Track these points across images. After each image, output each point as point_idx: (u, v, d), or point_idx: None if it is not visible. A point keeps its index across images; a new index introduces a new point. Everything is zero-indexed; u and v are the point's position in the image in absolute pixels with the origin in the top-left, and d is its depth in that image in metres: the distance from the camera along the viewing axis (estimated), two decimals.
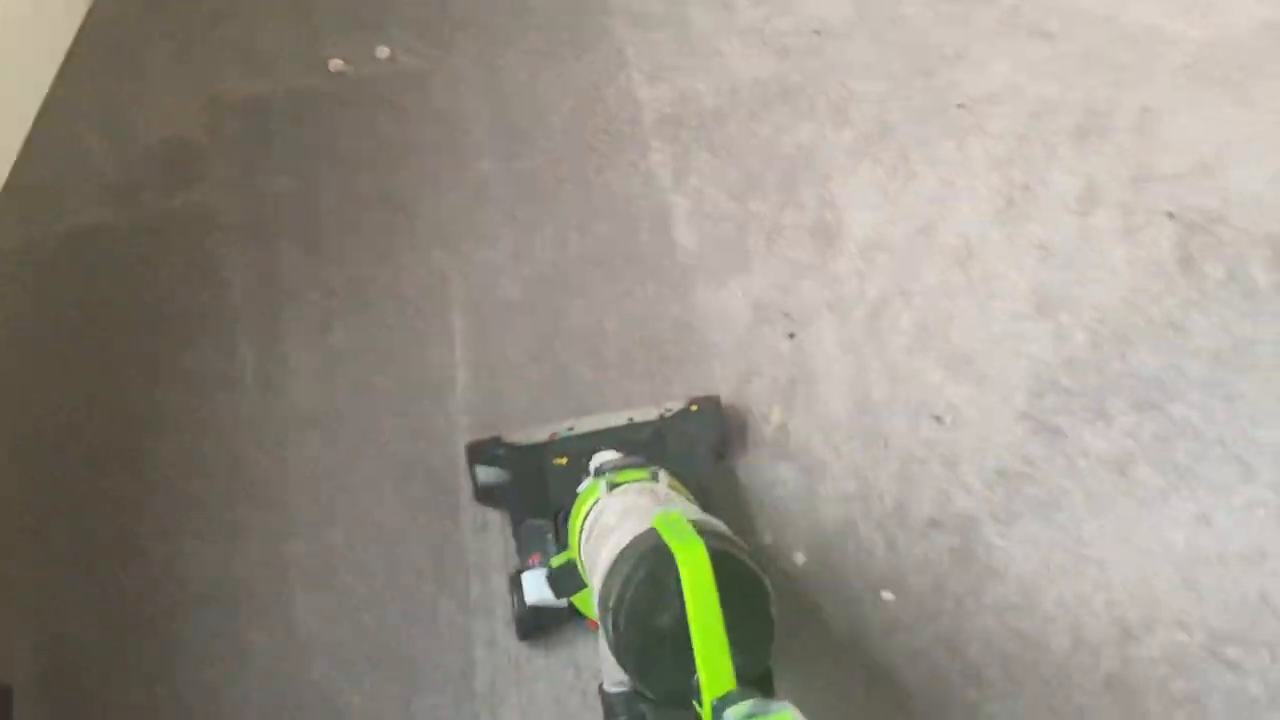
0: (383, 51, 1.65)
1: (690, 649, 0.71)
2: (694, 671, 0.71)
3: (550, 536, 1.10)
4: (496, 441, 1.19)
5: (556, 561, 1.00)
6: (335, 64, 1.63)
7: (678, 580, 0.72)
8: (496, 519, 1.22)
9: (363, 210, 1.49)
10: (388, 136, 1.56)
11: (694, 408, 1.22)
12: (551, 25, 1.70)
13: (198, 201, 1.49)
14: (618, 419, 1.21)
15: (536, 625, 1.09)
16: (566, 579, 0.98)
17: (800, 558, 1.20)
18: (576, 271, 1.42)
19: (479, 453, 1.18)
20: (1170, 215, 1.46)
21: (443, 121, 1.58)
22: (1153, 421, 1.28)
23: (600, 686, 0.87)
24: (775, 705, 0.66)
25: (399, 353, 1.35)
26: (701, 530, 0.76)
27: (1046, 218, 1.47)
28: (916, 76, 1.63)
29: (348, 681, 1.13)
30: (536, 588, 1.06)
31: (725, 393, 1.31)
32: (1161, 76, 1.61)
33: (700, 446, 1.19)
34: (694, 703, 0.72)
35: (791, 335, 1.37)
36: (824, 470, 1.27)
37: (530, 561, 1.09)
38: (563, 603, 1.06)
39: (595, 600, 0.80)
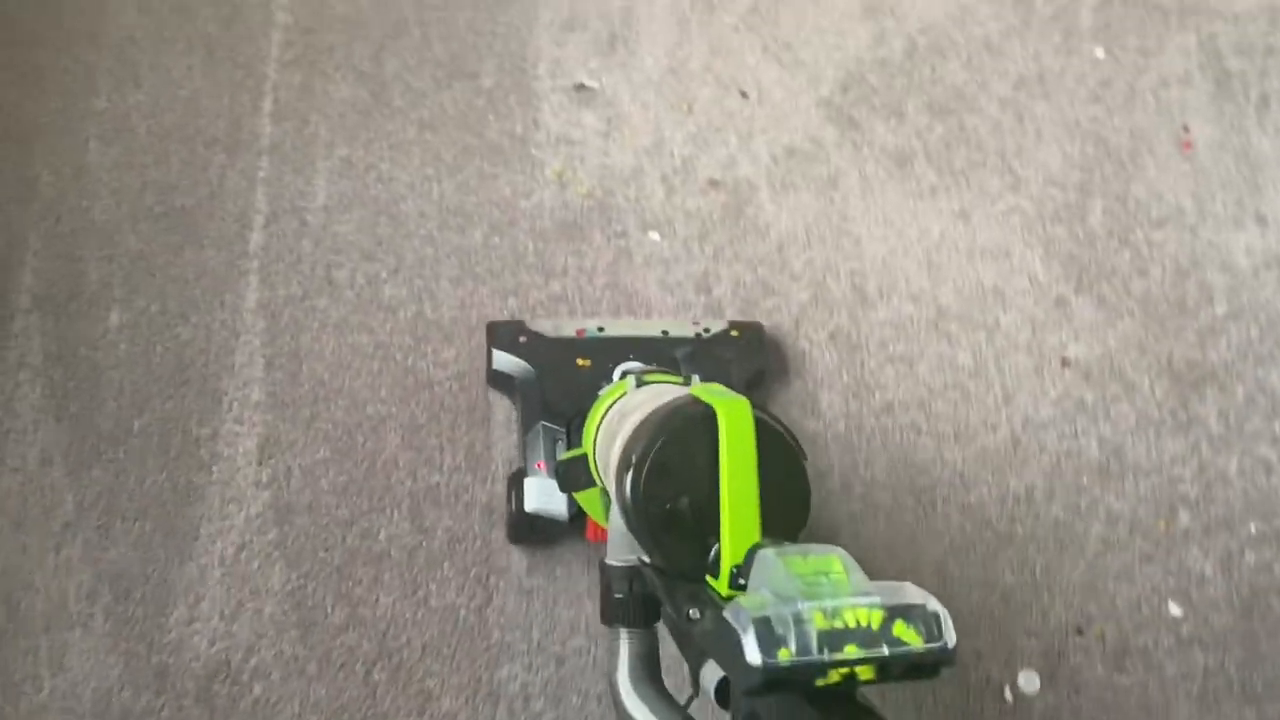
0: None
1: (713, 521, 0.66)
2: (713, 546, 0.66)
3: (560, 444, 1.03)
4: (520, 327, 1.11)
5: (568, 455, 0.94)
6: None
7: (710, 443, 0.67)
8: (301, 109, 1.26)
9: None
10: None
11: (734, 333, 1.14)
12: None
13: None
14: (652, 329, 1.13)
15: (531, 531, 1.04)
16: (575, 473, 0.90)
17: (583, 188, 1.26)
18: None
19: (499, 336, 1.11)
20: None
21: None
22: (943, 126, 1.35)
23: (602, 561, 0.82)
24: (819, 547, 0.59)
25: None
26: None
27: None
28: None
29: (128, 224, 1.17)
30: (538, 495, 1.01)
31: (544, 37, 1.34)
32: None
33: (734, 373, 1.10)
34: (709, 577, 0.66)
35: None
36: (624, 120, 1.31)
37: (536, 466, 1.03)
38: (563, 514, 1.00)
39: (612, 468, 0.75)
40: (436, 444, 1.10)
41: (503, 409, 1.13)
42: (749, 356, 1.13)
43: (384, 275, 1.18)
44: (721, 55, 1.37)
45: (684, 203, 1.26)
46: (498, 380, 1.12)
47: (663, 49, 1.37)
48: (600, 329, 1.12)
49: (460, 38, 1.33)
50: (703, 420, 0.68)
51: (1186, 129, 1.38)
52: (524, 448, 1.05)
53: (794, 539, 0.68)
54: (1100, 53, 1.43)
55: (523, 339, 1.10)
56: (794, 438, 0.72)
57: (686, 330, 1.14)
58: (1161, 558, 1.14)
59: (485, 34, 1.34)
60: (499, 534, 1.07)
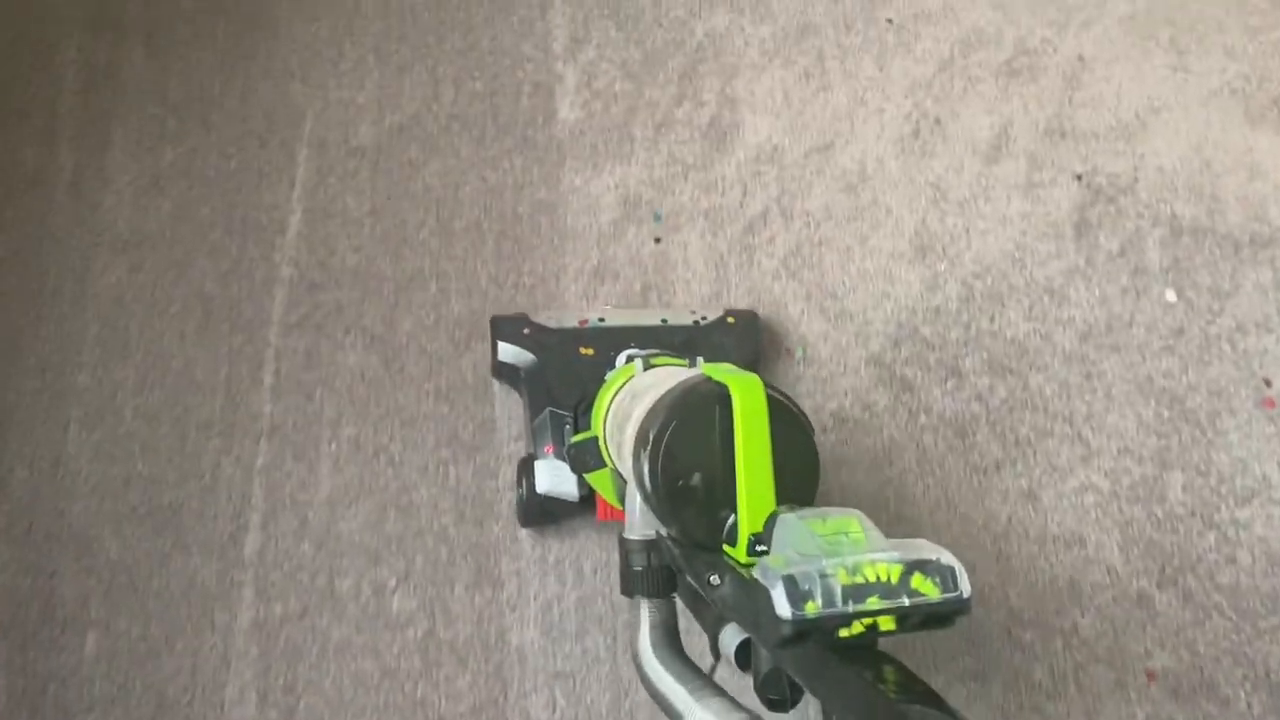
0: None
1: (729, 493, 0.68)
2: (729, 516, 0.68)
3: (569, 428, 1.05)
4: (523, 319, 1.13)
5: (578, 437, 0.96)
6: None
7: (724, 420, 0.69)
8: (305, 382, 1.14)
9: (224, 19, 1.35)
10: None
11: (730, 320, 1.18)
12: None
13: None
14: (651, 318, 1.16)
15: (541, 514, 1.06)
16: (586, 455, 0.93)
17: None
18: (441, 128, 1.32)
19: (503, 329, 1.12)
20: (1078, 177, 1.39)
21: None
22: (1005, 387, 1.23)
23: (620, 535, 0.83)
24: (838, 510, 0.61)
25: (233, 185, 1.24)
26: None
27: (950, 157, 1.39)
28: None
29: (109, 527, 1.05)
30: (549, 477, 1.03)
31: (572, 288, 1.23)
32: (1105, 23, 1.52)
33: (731, 360, 1.05)
34: (726, 546, 0.68)
35: (658, 240, 1.29)
36: None
37: (545, 450, 1.04)
38: (573, 494, 1.02)
39: (626, 449, 0.76)
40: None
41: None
42: (745, 342, 1.16)
43: (392, 583, 1.06)
44: (762, 304, 1.26)
45: None
46: (503, 371, 1.12)
47: (697, 298, 1.26)
48: (601, 319, 1.15)
49: (481, 291, 1.22)
50: (716, 398, 0.70)
51: (1268, 383, 1.27)
52: (532, 434, 1.07)
53: (809, 503, 0.69)
54: (1171, 295, 1.32)
55: (526, 331, 1.12)
56: (801, 411, 0.73)
57: (685, 318, 1.16)
58: None
59: (507, 286, 1.23)
60: None
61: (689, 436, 0.70)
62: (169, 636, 1.01)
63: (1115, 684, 1.09)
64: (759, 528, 0.66)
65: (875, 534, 0.59)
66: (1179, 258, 1.35)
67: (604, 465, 0.90)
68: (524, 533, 1.09)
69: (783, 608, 0.53)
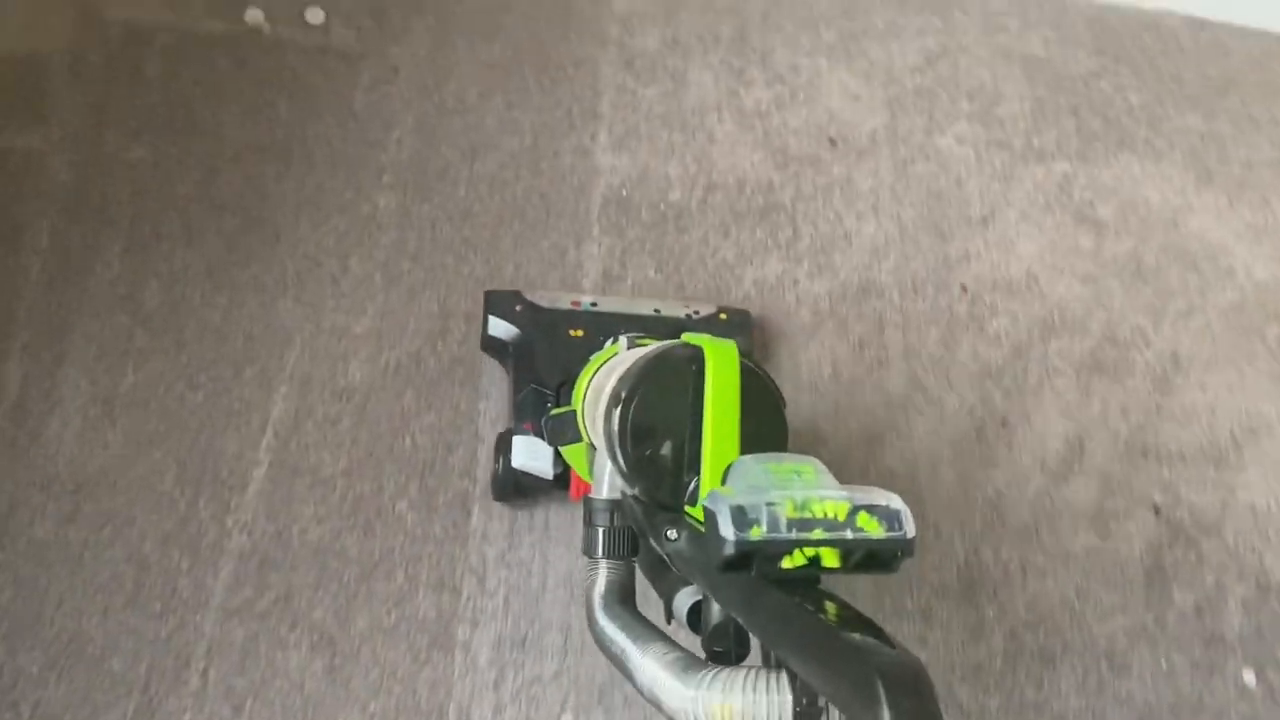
0: (316, 15, 1.35)
1: (693, 454, 0.68)
2: (692, 478, 0.68)
3: (550, 406, 1.05)
4: (517, 296, 1.14)
5: (557, 410, 0.95)
6: (253, 14, 1.33)
7: (696, 385, 0.69)
8: (236, 689, 0.99)
9: (220, 214, 1.21)
10: (283, 125, 1.27)
11: (723, 316, 1.18)
12: (527, 37, 1.40)
13: (27, 148, 1.20)
14: (644, 307, 1.17)
15: (515, 489, 1.06)
16: (563, 427, 0.93)
17: None
18: (444, 372, 1.16)
19: (496, 304, 1.14)
20: (1156, 509, 1.22)
21: (355, 125, 1.29)
22: None
23: (585, 496, 0.83)
24: (794, 456, 0.61)
25: (196, 422, 1.10)
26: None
27: (1014, 469, 1.22)
28: (928, 232, 1.35)
29: None
30: (526, 453, 1.04)
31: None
32: (1207, 314, 1.35)
33: None
34: (687, 507, 0.68)
35: None
36: None
37: (525, 427, 1.05)
38: (548, 472, 1.03)
39: (600, 409, 0.76)
40: None
41: None
42: (736, 338, 1.07)
43: None
44: None
45: None
46: (492, 345, 1.13)
47: None
48: (594, 304, 1.15)
49: (454, 588, 1.06)
50: (690, 360, 0.70)
51: None
52: (514, 409, 1.08)
53: None
54: (1250, 677, 1.14)
55: (518, 307, 1.13)
56: (775, 384, 0.72)
57: (678, 310, 1.17)
58: None
59: (488, 590, 1.07)
60: None
61: (660, 396, 0.70)
62: None
63: None
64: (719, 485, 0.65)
65: (828, 478, 0.59)
66: (1263, 626, 1.17)
67: (580, 439, 0.90)
68: None
69: (727, 530, 0.54)
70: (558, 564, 1.08)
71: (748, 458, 0.63)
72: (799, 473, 0.59)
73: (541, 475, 1.03)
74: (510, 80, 1.36)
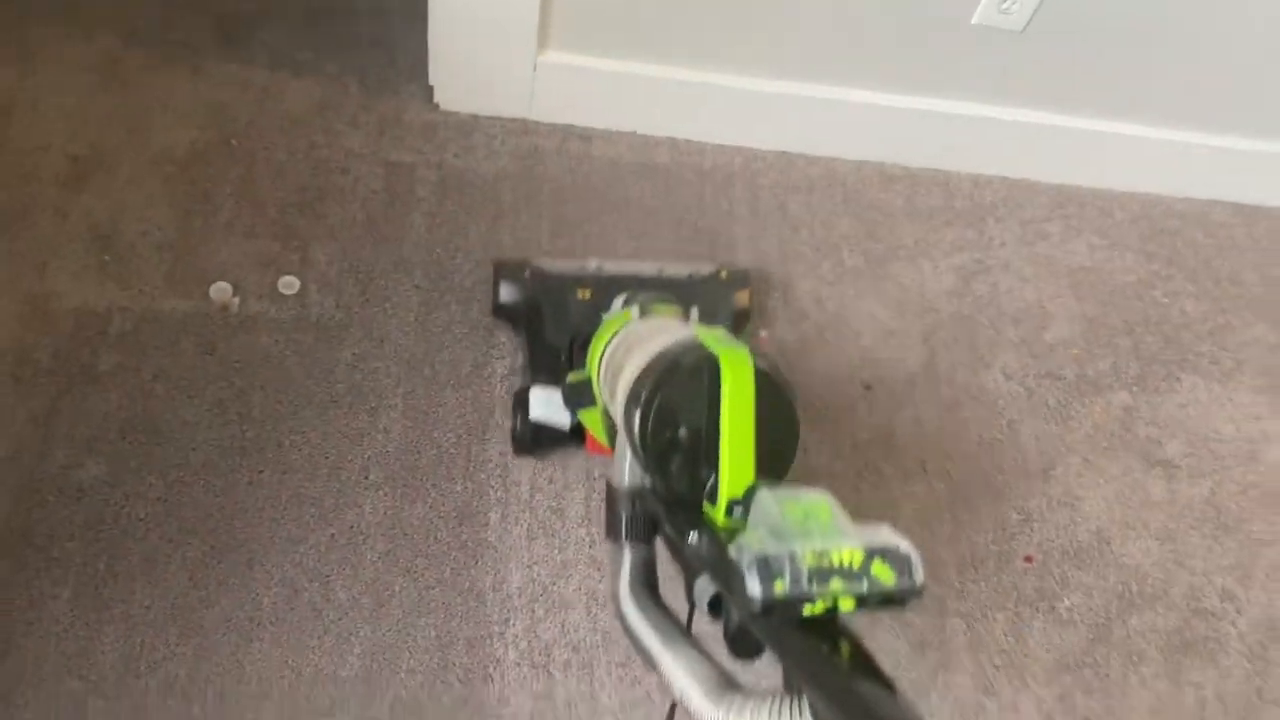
0: (290, 284, 1.21)
1: (713, 453, 0.70)
2: (711, 475, 0.70)
3: (563, 360, 1.10)
4: (524, 263, 1.18)
5: (574, 377, 1.00)
6: (219, 290, 1.19)
7: (713, 385, 0.72)
8: None
9: (185, 540, 1.06)
10: (255, 420, 1.13)
11: (723, 274, 1.22)
12: None
13: None
14: (647, 268, 1.20)
15: (535, 443, 1.11)
16: (580, 394, 0.98)
17: None
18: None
19: (505, 272, 1.18)
20: None
21: (336, 412, 1.14)
22: None
23: (608, 481, 0.85)
24: (811, 491, 0.64)
25: None
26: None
27: None
28: (983, 493, 1.21)
29: None
30: (542, 405, 1.08)
31: None
32: None
33: (723, 314, 1.19)
34: (706, 503, 0.71)
35: None
36: None
37: (539, 380, 1.10)
38: (564, 426, 1.07)
39: (620, 401, 0.79)
40: None
41: None
42: (736, 296, 1.21)
43: None
44: None
45: None
46: (504, 311, 1.18)
47: None
48: (599, 267, 1.19)
49: None
50: (705, 363, 0.73)
51: None
52: (528, 367, 1.15)
53: (783, 473, 0.73)
54: None
55: (527, 273, 1.17)
56: (787, 381, 0.74)
57: (680, 271, 1.20)
58: None
59: None
60: None
61: (678, 399, 0.73)
62: None
63: None
64: (738, 494, 0.69)
65: (842, 518, 0.62)
66: None
67: (595, 403, 0.95)
68: None
69: (754, 588, 0.56)
70: None
71: (766, 493, 0.65)
72: (815, 514, 0.62)
73: (559, 426, 1.08)
74: (507, 339, 1.22)
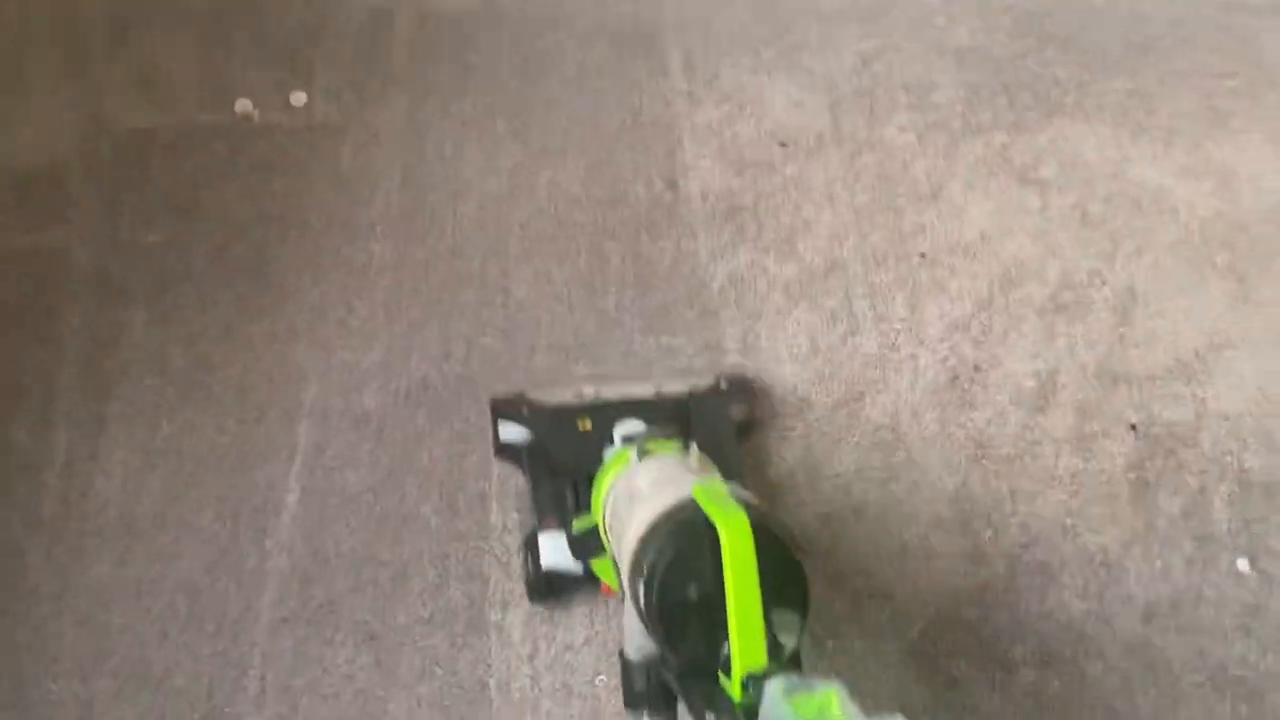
0: (299, 98, 1.48)
1: (723, 621, 0.70)
2: (724, 643, 0.70)
3: (569, 500, 1.08)
4: (521, 399, 1.18)
5: (579, 525, 1.00)
6: (242, 105, 1.46)
7: (715, 550, 0.71)
8: (292, 689, 1.06)
9: (231, 281, 1.32)
10: (279, 198, 1.39)
11: (722, 386, 1.22)
12: (494, 90, 1.53)
13: (52, 245, 1.33)
14: (644, 389, 1.20)
15: (549, 589, 1.08)
16: (587, 543, 0.98)
17: None
18: (451, 392, 1.26)
19: (502, 409, 1.18)
20: (1133, 427, 1.29)
21: (344, 188, 1.41)
22: (1061, 681, 1.11)
23: (621, 652, 0.87)
24: (820, 683, 0.64)
25: (228, 462, 1.19)
26: (741, 502, 0.75)
27: (992, 408, 1.30)
28: (883, 211, 1.45)
29: None
30: (552, 551, 1.05)
31: None
32: (1155, 252, 1.43)
33: (726, 425, 1.19)
34: (721, 674, 0.71)
35: None
36: None
37: (547, 523, 1.07)
38: (578, 568, 1.05)
39: (624, 566, 0.79)
40: None
41: None
42: (739, 405, 1.22)
43: None
44: None
45: None
46: (505, 451, 1.17)
47: None
48: (597, 393, 1.19)
49: (483, 575, 1.14)
50: (705, 528, 0.72)
51: None
52: (535, 508, 1.11)
53: (798, 632, 0.73)
54: (1244, 564, 1.20)
55: (525, 410, 1.17)
56: (792, 539, 0.74)
57: (679, 387, 1.21)
58: None
59: (514, 569, 1.15)
60: None
61: (681, 568, 0.73)
62: None
63: None
64: (753, 667, 0.68)
65: (854, 711, 0.61)
66: (1250, 519, 1.23)
67: (605, 551, 0.94)
68: None
69: None
70: None
71: (777, 689, 0.64)
72: (826, 711, 0.61)
73: (572, 572, 1.06)
74: (482, 130, 1.48)
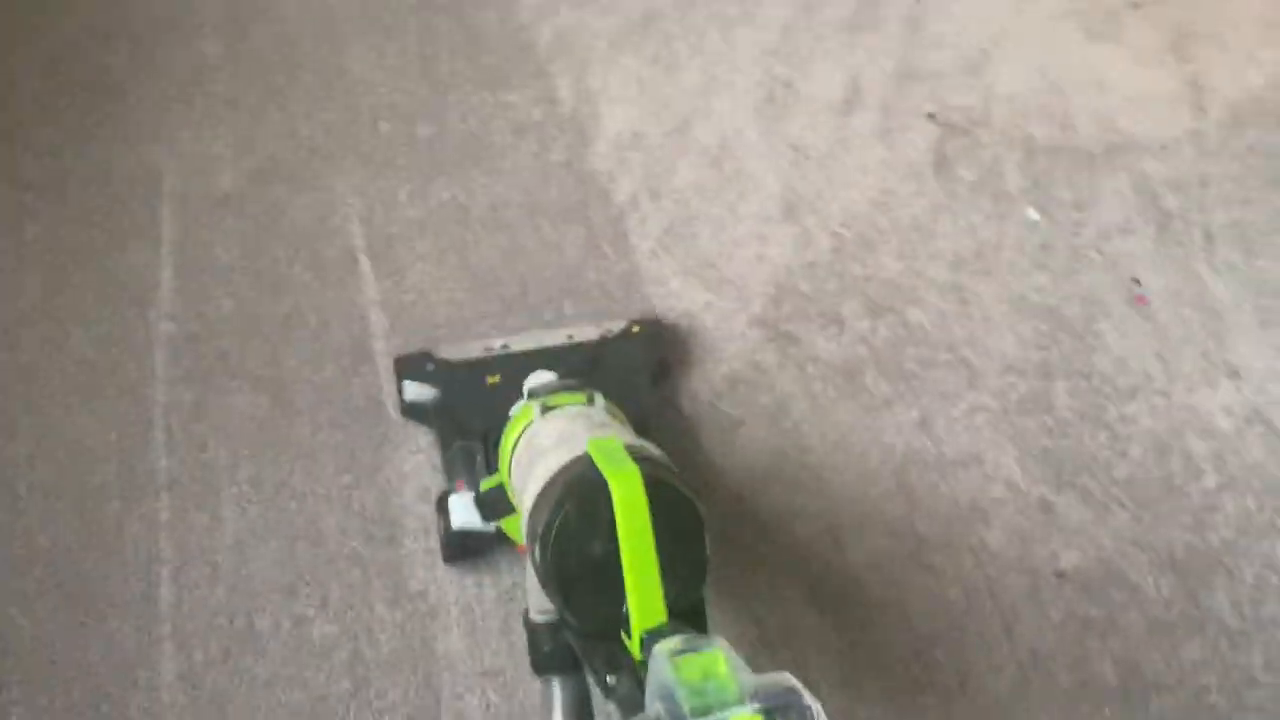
0: None
1: (620, 580, 0.69)
2: (624, 603, 0.69)
3: (479, 459, 1.06)
4: (426, 356, 1.14)
5: (486, 485, 0.98)
6: None
7: (610, 508, 0.69)
8: (197, 432, 1.15)
9: (70, 93, 1.36)
10: (104, 12, 1.42)
11: (635, 329, 1.18)
12: None
13: None
14: (555, 337, 1.16)
15: (463, 550, 1.06)
16: (495, 503, 0.96)
17: None
18: (302, 163, 1.33)
19: (407, 368, 1.13)
20: (930, 116, 1.43)
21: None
22: (886, 327, 1.27)
23: (525, 614, 0.87)
24: (705, 642, 0.62)
25: (99, 251, 1.25)
26: (637, 457, 0.72)
27: (805, 117, 1.43)
28: None
29: (17, 607, 1.05)
30: (463, 512, 1.02)
31: (459, 300, 1.25)
32: None
33: (639, 370, 1.16)
34: (622, 634, 0.70)
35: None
36: None
37: (457, 485, 1.05)
38: (490, 527, 1.02)
39: (524, 527, 0.77)
40: None
41: None
42: (650, 352, 1.18)
43: (310, 613, 1.07)
44: (639, 286, 1.28)
45: None
46: (412, 411, 1.13)
47: (576, 290, 1.28)
48: (505, 346, 1.15)
49: (360, 316, 1.23)
50: (601, 487, 0.70)
51: (1137, 282, 1.31)
52: (445, 468, 1.09)
53: (698, 585, 0.72)
54: (1034, 214, 1.36)
55: (430, 366, 1.13)
56: (689, 492, 0.72)
57: (590, 333, 1.17)
58: None
59: (390, 307, 1.24)
60: None
61: (575, 528, 0.70)
62: (95, 703, 1.00)
63: (1029, 589, 1.12)
64: (651, 624, 0.68)
65: (740, 669, 0.60)
66: (1038, 177, 1.39)
67: (513, 511, 0.90)
68: (436, 543, 1.09)
69: None
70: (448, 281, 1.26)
71: (661, 653, 0.62)
72: (712, 671, 0.60)
73: (484, 531, 1.03)
74: None
